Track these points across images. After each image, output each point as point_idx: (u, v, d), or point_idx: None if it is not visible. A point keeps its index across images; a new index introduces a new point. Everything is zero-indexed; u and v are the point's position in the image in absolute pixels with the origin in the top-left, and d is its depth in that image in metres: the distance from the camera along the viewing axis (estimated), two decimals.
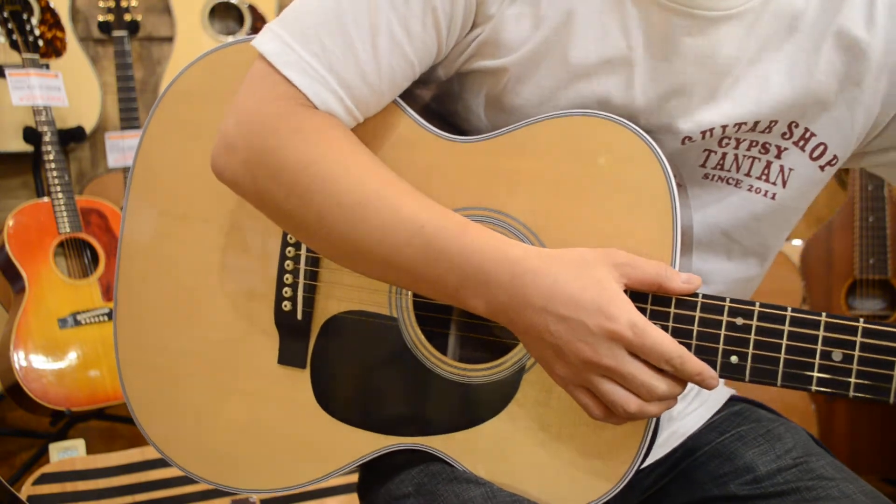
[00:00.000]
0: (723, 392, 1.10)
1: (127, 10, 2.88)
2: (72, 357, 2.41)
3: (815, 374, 0.78)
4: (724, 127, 0.88)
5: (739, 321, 0.80)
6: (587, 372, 0.78)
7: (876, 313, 2.29)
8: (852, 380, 0.78)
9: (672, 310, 0.81)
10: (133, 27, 2.89)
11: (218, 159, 0.88)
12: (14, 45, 2.49)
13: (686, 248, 0.86)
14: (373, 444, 0.95)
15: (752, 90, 0.87)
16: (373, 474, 1.01)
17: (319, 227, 0.84)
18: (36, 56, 2.51)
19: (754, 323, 0.80)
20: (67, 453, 2.08)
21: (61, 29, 2.59)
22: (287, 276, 0.98)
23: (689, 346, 0.80)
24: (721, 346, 0.80)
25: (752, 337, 0.80)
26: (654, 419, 0.84)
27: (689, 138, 0.89)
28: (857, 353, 0.77)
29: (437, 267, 0.81)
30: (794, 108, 0.88)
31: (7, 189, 2.98)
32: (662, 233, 0.84)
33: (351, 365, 0.97)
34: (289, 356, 0.99)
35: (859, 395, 0.78)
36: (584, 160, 0.87)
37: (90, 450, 2.17)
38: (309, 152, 0.83)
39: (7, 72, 2.47)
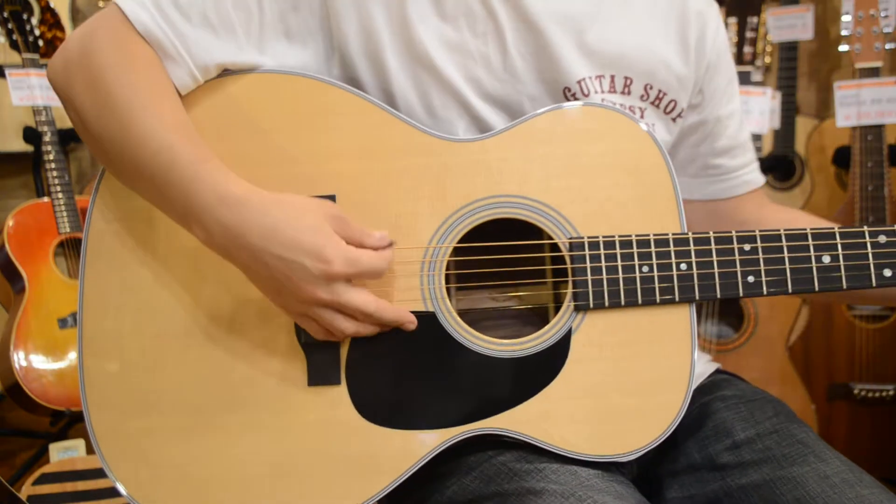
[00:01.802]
0: (709, 366, 1.16)
1: None
2: (72, 357, 2.41)
3: (815, 276, 0.97)
4: (590, 79, 1.04)
5: (747, 247, 0.97)
6: (307, 306, 0.88)
7: (876, 313, 2.29)
8: (843, 274, 0.97)
9: (692, 248, 0.97)
10: None
11: (52, 59, 0.97)
12: (14, 45, 2.49)
13: None
14: (434, 440, 0.95)
15: (607, 44, 1.05)
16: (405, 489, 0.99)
17: (99, 127, 0.92)
18: (36, 56, 2.51)
19: (759, 245, 0.97)
20: (67, 453, 2.08)
21: (61, 29, 2.59)
22: None
23: (712, 276, 0.97)
24: (738, 270, 0.97)
25: (761, 257, 0.97)
26: (692, 362, 0.97)
27: (569, 89, 1.03)
28: (840, 252, 0.98)
29: (172, 187, 0.88)
30: (642, 65, 1.06)
31: (7, 189, 2.98)
32: (666, 190, 0.98)
33: (393, 369, 0.95)
34: (320, 375, 0.95)
35: (852, 285, 0.98)
36: (586, 141, 0.98)
37: (90, 450, 2.17)
38: (114, 58, 0.92)
39: (7, 72, 2.47)
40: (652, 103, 1.09)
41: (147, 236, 0.98)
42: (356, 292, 0.88)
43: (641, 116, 1.08)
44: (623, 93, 1.07)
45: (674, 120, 1.12)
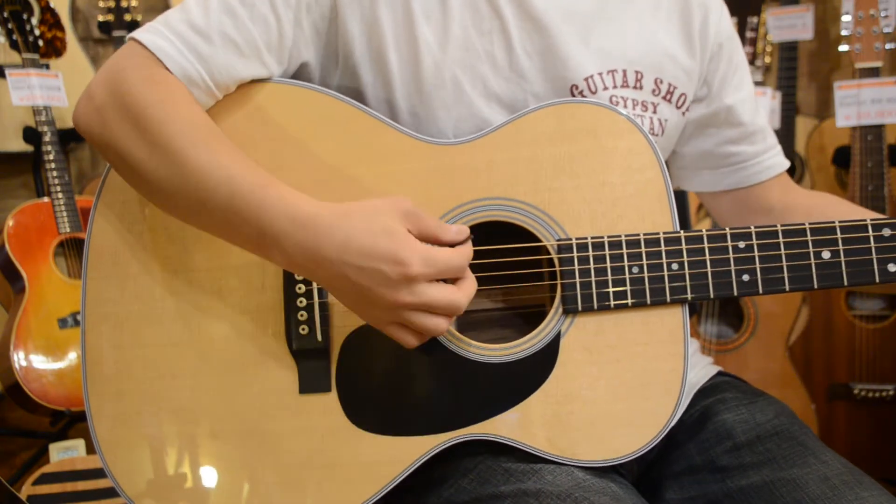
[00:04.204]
0: (710, 369, 1.16)
1: (127, 10, 2.88)
2: (72, 357, 2.41)
3: (814, 273, 0.94)
4: (600, 75, 1.03)
5: (742, 244, 0.94)
6: (396, 311, 0.85)
7: (875, 313, 2.29)
8: (843, 270, 0.94)
9: (683, 247, 0.94)
10: (133, 27, 2.89)
11: (78, 108, 0.96)
12: (14, 45, 2.49)
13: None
14: (424, 446, 0.95)
15: (613, 40, 1.04)
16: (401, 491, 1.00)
17: (151, 167, 0.91)
18: (36, 56, 2.51)
19: (755, 242, 0.94)
20: (67, 453, 2.08)
21: (61, 29, 2.59)
22: (300, 299, 0.96)
23: (705, 275, 0.94)
24: (733, 269, 0.95)
25: (756, 254, 0.94)
26: (685, 365, 0.95)
27: (576, 87, 1.02)
28: (840, 247, 0.94)
29: (238, 217, 0.88)
30: (650, 60, 1.06)
31: (7, 189, 2.98)
32: (658, 188, 0.96)
33: (383, 376, 0.95)
34: (311, 383, 0.95)
35: (853, 282, 0.94)
36: (574, 139, 0.97)
37: (90, 450, 2.17)
38: (151, 96, 0.91)
39: (7, 72, 2.47)
40: (664, 98, 1.08)
41: (146, 247, 0.99)
42: (440, 289, 0.85)
43: (654, 111, 1.07)
44: (635, 87, 1.06)
45: (683, 114, 1.12)
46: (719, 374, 1.16)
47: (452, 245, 0.88)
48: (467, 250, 0.88)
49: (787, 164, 1.20)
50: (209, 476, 0.97)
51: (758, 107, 1.18)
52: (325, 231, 0.85)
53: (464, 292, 0.86)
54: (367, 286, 0.84)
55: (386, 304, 0.85)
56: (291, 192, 0.88)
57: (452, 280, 0.87)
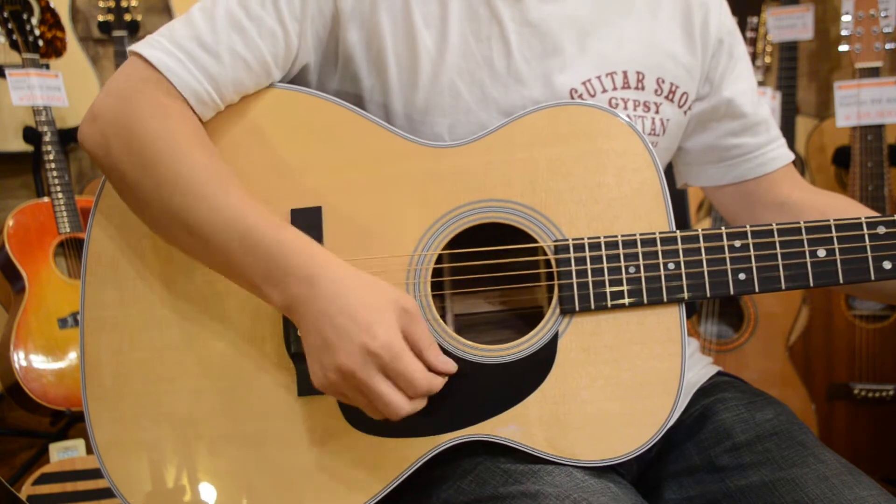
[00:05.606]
0: (710, 369, 1.16)
1: (127, 10, 2.88)
2: (72, 357, 2.41)
3: (809, 271, 0.95)
4: (598, 78, 1.03)
5: (738, 243, 0.95)
6: (342, 380, 0.86)
7: (875, 313, 2.29)
8: (839, 268, 0.94)
9: (680, 246, 0.95)
10: (133, 27, 2.89)
11: (82, 127, 0.96)
12: (14, 45, 2.49)
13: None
14: (422, 448, 0.95)
15: (612, 44, 1.05)
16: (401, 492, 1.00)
17: (156, 199, 0.92)
18: (36, 56, 2.51)
19: (750, 241, 0.95)
20: (67, 453, 2.08)
21: (61, 29, 2.59)
22: None
23: (702, 275, 0.95)
24: (729, 268, 0.95)
25: (752, 253, 0.95)
26: (682, 365, 0.95)
27: (574, 90, 1.02)
28: (836, 246, 0.94)
29: (248, 255, 0.88)
30: (651, 60, 1.06)
31: (7, 189, 2.98)
32: (654, 189, 0.96)
33: None
34: (309, 385, 0.93)
35: (849, 279, 0.94)
36: (570, 141, 0.97)
37: (90, 450, 2.17)
38: (159, 129, 0.91)
39: (7, 72, 2.47)
40: (666, 97, 1.08)
41: (144, 252, 1.00)
42: (388, 385, 0.85)
43: (656, 111, 1.07)
44: (636, 88, 1.06)
45: (685, 113, 1.12)
46: (719, 373, 1.16)
47: (432, 367, 0.88)
48: (437, 381, 0.88)
49: (791, 156, 1.19)
50: (209, 479, 0.97)
51: (760, 99, 1.17)
52: (328, 282, 0.86)
53: (407, 406, 0.86)
54: (330, 340, 0.85)
55: (334, 364, 0.85)
56: (307, 239, 0.89)
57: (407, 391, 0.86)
